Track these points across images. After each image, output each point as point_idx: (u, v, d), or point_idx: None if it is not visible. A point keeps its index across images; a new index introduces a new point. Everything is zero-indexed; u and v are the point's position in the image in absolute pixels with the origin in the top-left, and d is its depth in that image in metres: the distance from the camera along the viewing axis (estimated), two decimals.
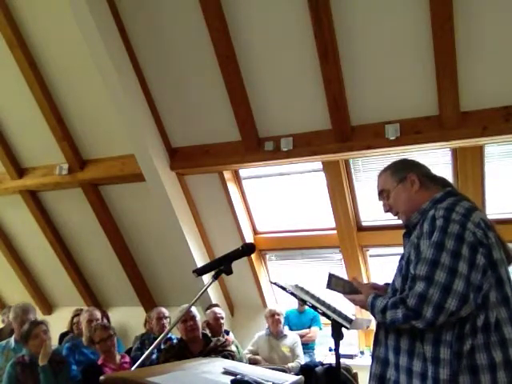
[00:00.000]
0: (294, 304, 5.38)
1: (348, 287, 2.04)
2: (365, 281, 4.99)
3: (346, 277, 4.97)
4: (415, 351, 1.75)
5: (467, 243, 1.68)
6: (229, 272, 2.02)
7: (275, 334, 4.88)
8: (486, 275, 1.69)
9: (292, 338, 4.90)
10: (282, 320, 4.93)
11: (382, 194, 2.05)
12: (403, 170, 2.01)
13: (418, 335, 1.74)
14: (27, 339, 3.65)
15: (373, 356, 1.92)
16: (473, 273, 1.66)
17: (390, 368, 1.83)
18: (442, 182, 2.01)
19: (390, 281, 1.97)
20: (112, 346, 3.84)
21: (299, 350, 4.84)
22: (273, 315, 4.89)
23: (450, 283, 1.63)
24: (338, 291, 2.05)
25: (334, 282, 2.05)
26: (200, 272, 2.10)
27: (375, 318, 1.85)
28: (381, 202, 2.10)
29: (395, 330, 1.81)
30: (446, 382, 1.65)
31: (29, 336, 3.64)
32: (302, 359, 4.75)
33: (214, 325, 4.55)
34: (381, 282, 2.12)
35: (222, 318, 4.61)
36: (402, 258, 1.90)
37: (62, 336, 5.16)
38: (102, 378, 1.59)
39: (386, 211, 2.07)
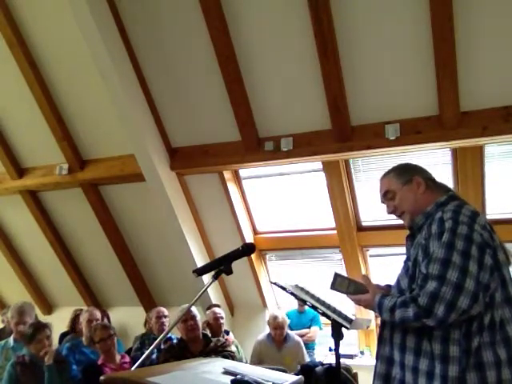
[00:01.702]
0: (294, 305, 5.37)
1: (352, 288, 2.03)
2: None
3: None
4: (422, 349, 1.77)
5: (476, 244, 1.72)
6: (229, 272, 2.02)
7: (277, 343, 4.66)
8: (493, 275, 1.73)
9: (294, 342, 4.70)
10: (286, 328, 4.70)
11: (387, 195, 2.07)
12: (408, 173, 2.04)
13: (426, 334, 1.76)
14: (30, 342, 3.66)
15: (377, 355, 1.93)
16: (482, 272, 1.70)
17: (396, 367, 1.84)
18: (443, 186, 2.04)
19: (391, 282, 1.98)
20: (112, 346, 3.84)
21: (303, 353, 4.67)
22: (275, 328, 4.64)
23: (462, 282, 1.66)
24: (342, 292, 2.05)
25: (338, 282, 2.05)
26: (200, 272, 2.10)
27: (382, 316, 1.86)
28: (383, 205, 2.11)
29: (401, 329, 1.83)
30: (454, 379, 1.67)
31: (32, 340, 3.65)
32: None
33: (214, 325, 4.55)
34: (381, 283, 2.12)
35: (222, 318, 4.61)
36: (407, 259, 1.92)
37: (62, 336, 5.16)
38: (102, 378, 1.59)
39: (390, 212, 2.09)
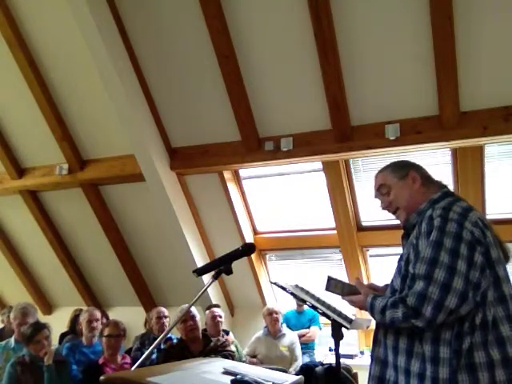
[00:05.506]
0: (293, 305, 5.37)
1: (346, 289, 2.04)
2: (365, 281, 4.98)
3: (346, 278, 5.01)
4: (414, 351, 1.75)
5: (465, 242, 1.69)
6: (229, 272, 2.02)
7: (273, 334, 4.83)
8: (484, 273, 1.70)
9: (291, 337, 4.86)
10: (280, 319, 4.88)
11: (381, 189, 2.03)
12: (403, 168, 2.02)
13: (417, 335, 1.74)
14: (28, 342, 3.66)
15: (372, 356, 1.92)
16: (471, 271, 1.67)
17: (389, 368, 1.83)
18: (438, 183, 2.01)
19: (390, 282, 1.97)
20: (116, 345, 3.83)
21: (298, 350, 4.79)
22: (270, 314, 4.84)
23: (450, 281, 1.64)
24: (337, 293, 2.06)
25: (332, 285, 2.06)
26: (200, 272, 2.10)
27: (374, 318, 1.85)
28: (377, 200, 2.07)
29: (394, 330, 1.81)
30: (445, 381, 1.65)
31: (31, 340, 3.65)
32: (300, 360, 4.73)
33: (211, 324, 4.54)
34: (380, 283, 2.11)
35: (220, 317, 4.59)
36: (400, 259, 1.90)
37: (62, 336, 5.16)
38: (102, 378, 1.59)
39: (384, 208, 2.05)
